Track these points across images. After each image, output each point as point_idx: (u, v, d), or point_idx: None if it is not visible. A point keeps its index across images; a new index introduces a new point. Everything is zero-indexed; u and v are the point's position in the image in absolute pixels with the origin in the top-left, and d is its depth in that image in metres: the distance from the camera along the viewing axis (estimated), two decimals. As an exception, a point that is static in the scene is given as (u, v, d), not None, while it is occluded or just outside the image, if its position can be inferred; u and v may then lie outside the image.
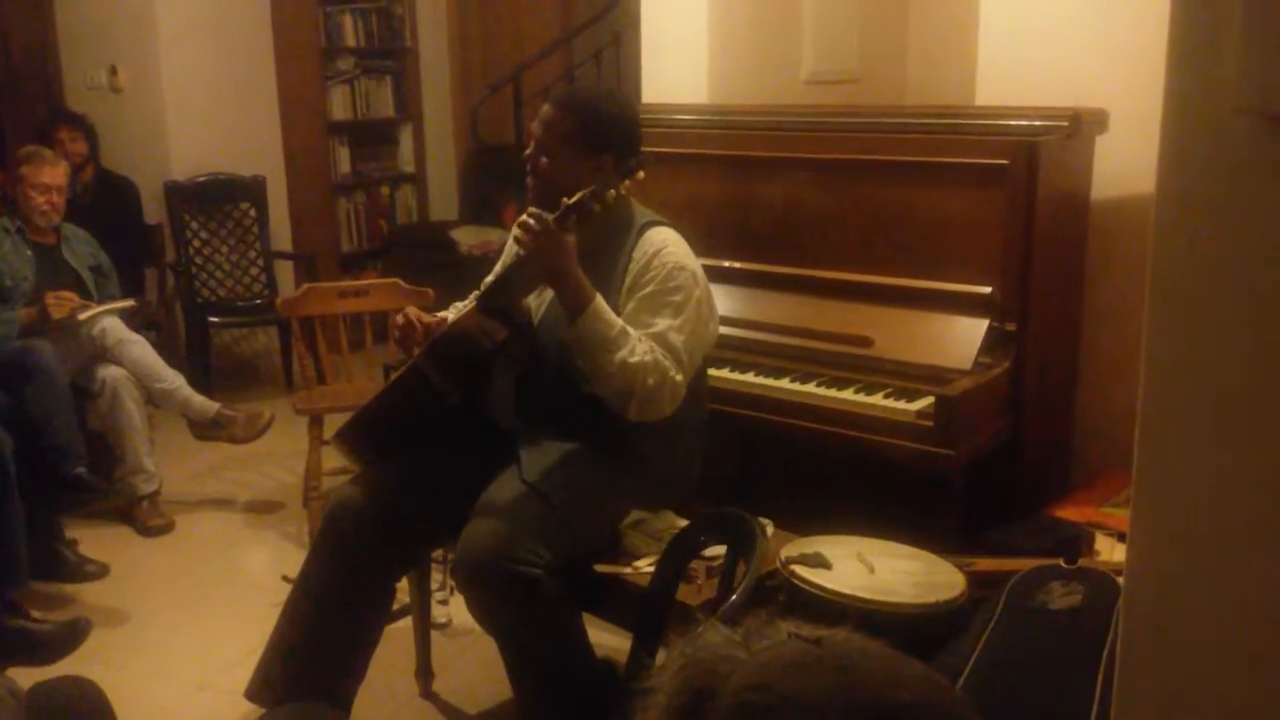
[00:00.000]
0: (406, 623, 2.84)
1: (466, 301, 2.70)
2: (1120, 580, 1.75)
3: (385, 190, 6.61)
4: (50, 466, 3.49)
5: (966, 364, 2.58)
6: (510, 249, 2.63)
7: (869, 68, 3.15)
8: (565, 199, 2.25)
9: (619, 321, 2.27)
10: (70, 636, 2.87)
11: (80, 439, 3.64)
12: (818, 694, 0.67)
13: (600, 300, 2.25)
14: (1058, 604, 2.00)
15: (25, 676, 2.10)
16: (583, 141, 2.40)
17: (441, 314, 2.59)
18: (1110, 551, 2.38)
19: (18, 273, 3.93)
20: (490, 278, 2.63)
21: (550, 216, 2.24)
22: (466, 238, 5.90)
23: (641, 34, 3.76)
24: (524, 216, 2.29)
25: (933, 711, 0.70)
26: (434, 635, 2.90)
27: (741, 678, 0.69)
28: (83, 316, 3.84)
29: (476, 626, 2.32)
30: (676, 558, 2.21)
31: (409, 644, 2.84)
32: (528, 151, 2.46)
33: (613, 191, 2.27)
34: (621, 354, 2.22)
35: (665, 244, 2.39)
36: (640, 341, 2.26)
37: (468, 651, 3.01)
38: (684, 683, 0.71)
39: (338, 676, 2.43)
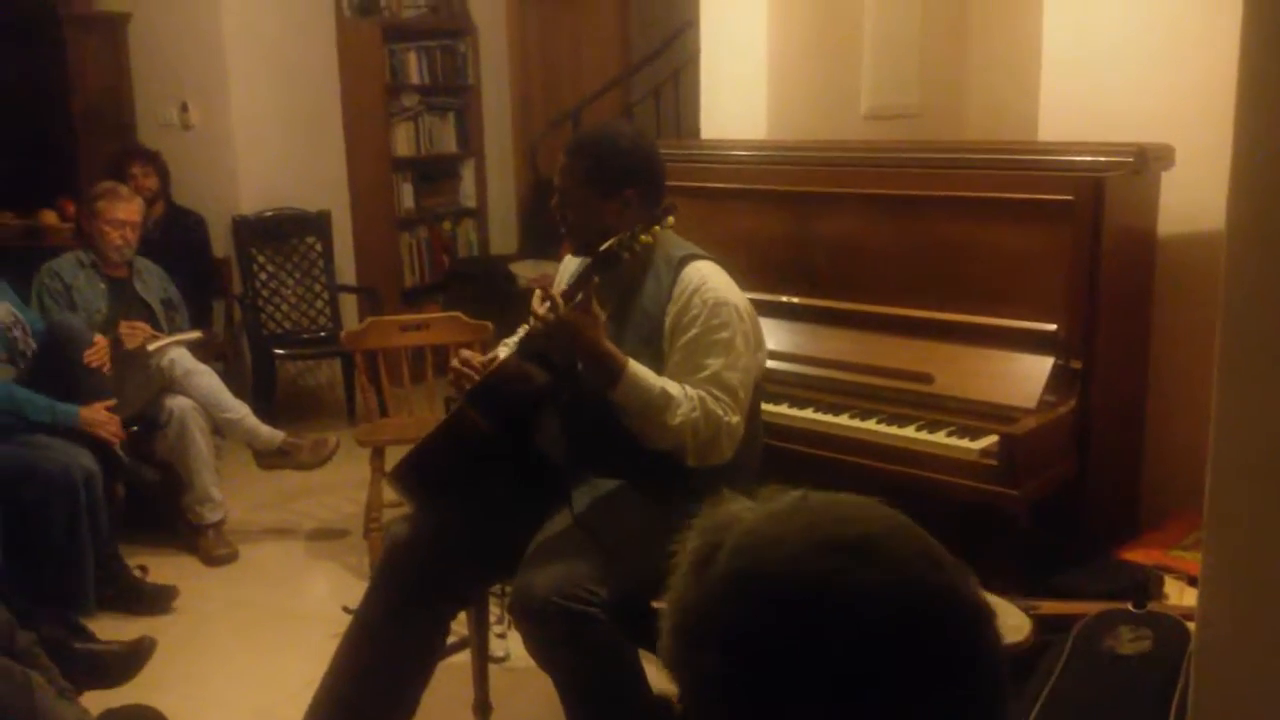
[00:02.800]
0: (464, 656, 2.84)
1: (515, 335, 2.72)
2: (1190, 626, 1.71)
3: (447, 225, 6.69)
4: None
5: (1031, 402, 2.54)
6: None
7: (929, 102, 3.14)
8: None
9: (658, 383, 2.23)
10: (136, 656, 2.90)
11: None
12: (788, 531, 0.83)
13: (633, 366, 2.22)
14: (1126, 649, 1.96)
15: (92, 702, 2.14)
16: (600, 183, 2.36)
17: (494, 353, 2.60)
18: (1180, 595, 2.33)
19: (92, 304, 4.04)
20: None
21: (562, 302, 2.19)
22: (526, 271, 5.96)
23: (700, 70, 3.79)
24: (536, 299, 2.25)
25: (890, 539, 0.86)
26: (492, 669, 2.90)
27: (742, 527, 0.85)
28: (152, 347, 3.93)
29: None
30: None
31: (467, 677, 2.84)
32: (553, 202, 2.43)
33: (644, 238, 2.24)
34: (664, 417, 2.21)
35: (705, 280, 2.34)
36: (685, 400, 2.23)
37: (526, 686, 3.00)
38: (700, 537, 0.87)
39: (388, 712, 2.43)
